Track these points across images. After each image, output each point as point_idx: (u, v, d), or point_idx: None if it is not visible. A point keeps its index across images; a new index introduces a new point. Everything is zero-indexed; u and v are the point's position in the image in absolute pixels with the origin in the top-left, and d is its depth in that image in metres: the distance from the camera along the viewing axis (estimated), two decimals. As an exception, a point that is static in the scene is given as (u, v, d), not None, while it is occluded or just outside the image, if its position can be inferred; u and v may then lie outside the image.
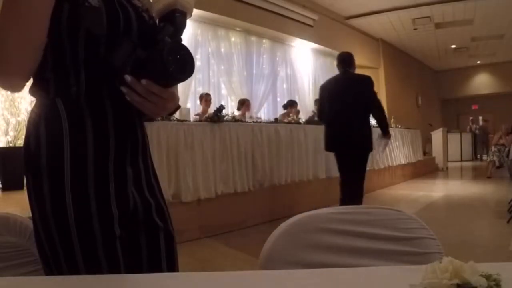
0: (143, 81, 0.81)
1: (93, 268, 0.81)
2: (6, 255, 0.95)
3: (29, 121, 0.86)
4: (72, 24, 0.81)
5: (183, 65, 0.85)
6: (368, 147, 3.94)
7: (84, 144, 0.82)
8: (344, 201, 3.81)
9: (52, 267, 0.82)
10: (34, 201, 0.82)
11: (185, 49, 0.87)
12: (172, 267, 0.97)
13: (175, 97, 0.91)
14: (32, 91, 0.87)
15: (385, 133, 4.33)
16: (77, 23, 0.81)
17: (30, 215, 0.85)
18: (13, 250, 0.96)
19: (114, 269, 0.82)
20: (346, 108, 3.76)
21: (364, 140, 3.86)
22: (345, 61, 3.93)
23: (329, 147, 4.07)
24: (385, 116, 4.18)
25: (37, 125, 0.83)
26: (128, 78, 0.81)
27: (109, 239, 0.82)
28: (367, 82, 3.88)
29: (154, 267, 0.92)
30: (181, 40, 0.93)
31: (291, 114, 6.80)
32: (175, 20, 0.92)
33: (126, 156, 0.89)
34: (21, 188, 5.09)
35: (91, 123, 0.83)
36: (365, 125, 3.92)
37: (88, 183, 0.82)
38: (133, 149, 0.91)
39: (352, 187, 3.77)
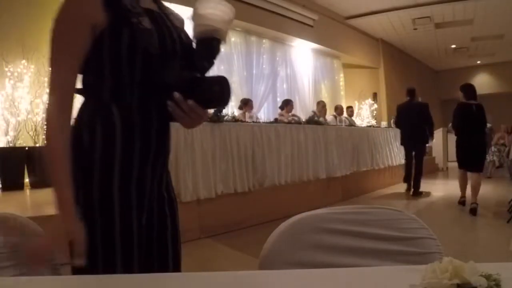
0: (190, 101, 0.95)
1: (128, 249, 0.94)
2: (6, 255, 0.95)
3: (80, 120, 0.96)
4: (131, 47, 0.94)
5: (224, 95, 1.03)
6: (425, 144, 6.80)
7: (132, 144, 0.96)
8: (409, 176, 6.85)
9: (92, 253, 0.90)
10: (82, 189, 0.92)
11: (227, 82, 1.04)
12: (177, 253, 1.16)
13: (207, 115, 1.08)
14: (86, 94, 0.99)
15: (431, 137, 6.70)
16: (136, 45, 0.94)
17: (30, 215, 0.85)
18: (13, 250, 0.96)
19: (132, 252, 0.95)
20: (414, 122, 6.48)
21: (423, 140, 6.61)
22: (413, 92, 6.75)
23: (403, 143, 6.91)
24: (433, 127, 6.71)
25: (92, 125, 0.94)
26: (177, 95, 0.95)
27: (140, 227, 0.98)
28: (426, 107, 6.63)
29: (162, 248, 1.10)
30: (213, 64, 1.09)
31: (284, 114, 6.80)
32: (213, 47, 1.04)
33: (161, 157, 1.04)
34: (21, 188, 5.09)
35: (140, 127, 0.97)
36: (424, 132, 6.51)
37: (132, 179, 0.96)
38: (165, 151, 1.06)
39: (417, 166, 6.63)
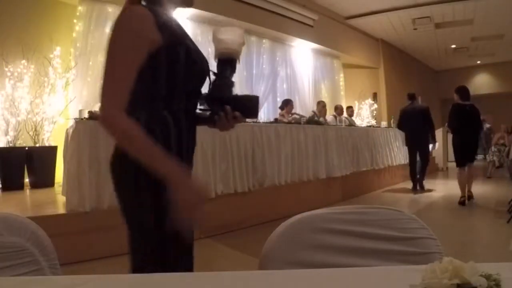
0: (236, 113, 1.19)
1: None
2: (6, 255, 0.95)
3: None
4: (187, 64, 1.16)
5: (257, 109, 1.27)
6: (428, 145, 7.15)
7: (181, 144, 1.18)
8: (414, 175, 7.19)
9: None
10: (134, 184, 1.16)
11: (258, 99, 1.28)
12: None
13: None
14: (138, 102, 1.11)
15: (434, 139, 7.15)
16: (190, 63, 1.17)
17: (30, 215, 0.85)
18: (13, 250, 0.96)
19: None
20: (416, 124, 6.90)
21: (426, 141, 7.05)
22: (413, 96, 7.26)
23: (407, 144, 7.28)
24: (434, 129, 7.11)
25: (152, 127, 1.10)
26: (228, 108, 1.18)
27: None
28: (427, 110, 7.04)
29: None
30: None
31: (285, 114, 6.78)
32: (232, 66, 1.26)
33: (192, 152, 1.28)
34: (21, 188, 5.09)
35: (186, 131, 1.19)
36: (427, 134, 6.99)
37: None
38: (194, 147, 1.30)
39: (422, 163, 7.14)
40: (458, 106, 5.55)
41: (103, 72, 1.06)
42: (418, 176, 7.11)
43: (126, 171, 1.20)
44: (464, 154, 5.55)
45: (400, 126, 7.30)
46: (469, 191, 5.63)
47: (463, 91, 5.64)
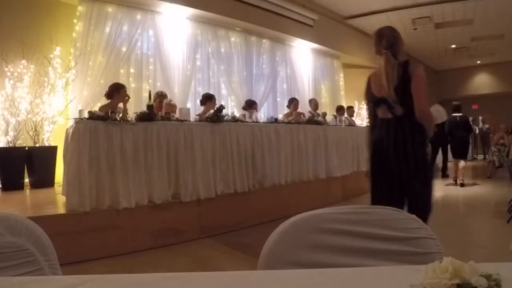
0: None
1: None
2: (6, 255, 0.95)
3: (372, 126, 2.53)
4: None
5: None
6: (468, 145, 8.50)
7: (382, 145, 2.43)
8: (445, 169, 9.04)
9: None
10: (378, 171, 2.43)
11: None
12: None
13: None
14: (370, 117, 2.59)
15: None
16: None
17: (30, 215, 0.85)
18: (13, 250, 0.96)
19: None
20: (460, 131, 7.85)
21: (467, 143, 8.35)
22: (459, 108, 8.07)
23: (452, 150, 8.25)
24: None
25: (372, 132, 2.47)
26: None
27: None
28: (469, 121, 8.24)
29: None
30: None
31: (292, 112, 6.77)
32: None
33: None
34: (21, 188, 5.09)
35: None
36: (468, 136, 8.19)
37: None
38: None
39: (445, 159, 9.05)
40: (452, 117, 7.83)
41: (421, 90, 2.28)
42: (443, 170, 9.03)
43: (422, 146, 2.32)
44: (457, 152, 7.80)
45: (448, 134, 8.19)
46: (462, 179, 7.53)
47: (455, 107, 8.06)
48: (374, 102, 2.44)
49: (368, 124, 2.54)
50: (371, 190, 2.42)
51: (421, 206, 2.23)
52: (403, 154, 2.22)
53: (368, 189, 2.46)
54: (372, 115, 2.49)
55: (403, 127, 2.24)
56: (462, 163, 7.60)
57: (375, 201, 2.38)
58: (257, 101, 7.99)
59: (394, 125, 2.26)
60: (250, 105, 6.48)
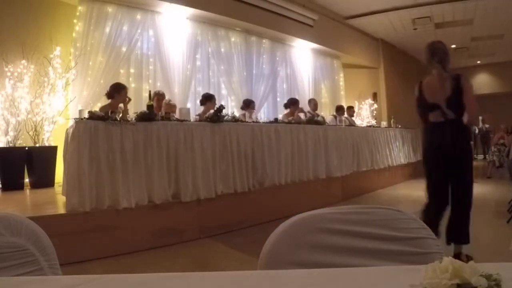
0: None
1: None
2: (6, 255, 0.95)
3: (426, 128, 3.00)
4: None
5: None
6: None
7: (438, 143, 2.93)
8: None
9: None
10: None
11: None
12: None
13: None
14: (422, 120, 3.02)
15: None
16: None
17: (30, 215, 0.85)
18: (13, 250, 0.96)
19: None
20: None
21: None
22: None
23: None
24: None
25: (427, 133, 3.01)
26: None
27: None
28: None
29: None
30: None
31: (295, 113, 6.71)
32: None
33: None
34: (21, 188, 5.09)
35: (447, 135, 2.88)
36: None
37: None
38: None
39: None
40: None
41: (472, 100, 2.75)
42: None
43: (468, 141, 2.94)
44: None
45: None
46: None
47: None
48: (427, 107, 2.89)
49: (424, 126, 3.04)
50: (427, 177, 3.05)
51: (463, 190, 2.97)
52: (456, 148, 2.81)
53: (422, 175, 3.17)
54: (423, 118, 2.97)
55: (455, 129, 2.78)
56: None
57: (431, 185, 3.03)
58: (257, 101, 8.01)
59: (447, 127, 2.80)
60: (248, 105, 6.47)
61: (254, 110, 6.64)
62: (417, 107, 2.99)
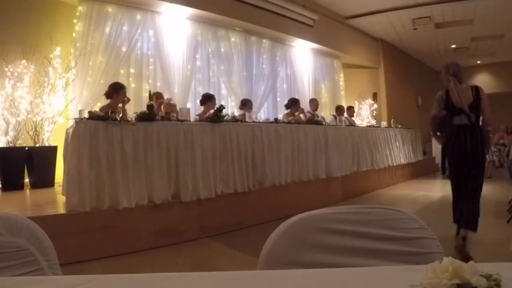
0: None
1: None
2: (6, 255, 0.95)
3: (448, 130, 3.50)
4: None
5: None
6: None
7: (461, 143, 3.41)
8: None
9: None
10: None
11: None
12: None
13: None
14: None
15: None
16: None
17: (30, 215, 0.85)
18: (13, 250, 0.96)
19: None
20: None
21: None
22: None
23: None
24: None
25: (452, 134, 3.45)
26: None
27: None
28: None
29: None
30: None
31: (296, 113, 6.68)
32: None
33: None
34: (21, 188, 5.09)
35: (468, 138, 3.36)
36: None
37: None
38: None
39: None
40: None
41: (488, 108, 3.37)
42: None
43: (484, 144, 3.36)
44: None
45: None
46: None
47: None
48: (454, 111, 3.42)
49: (449, 128, 3.51)
50: (450, 169, 3.56)
51: (476, 180, 3.43)
52: (475, 146, 3.33)
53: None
54: (447, 120, 3.49)
55: (475, 130, 3.34)
56: None
57: (453, 175, 3.55)
58: (257, 101, 8.01)
59: (469, 129, 3.35)
60: (244, 104, 6.47)
61: (252, 109, 6.62)
62: (443, 109, 3.51)
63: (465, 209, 3.34)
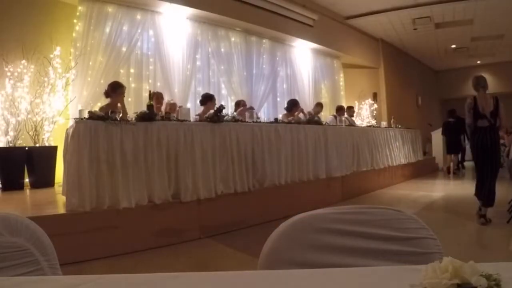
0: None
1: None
2: (6, 255, 0.95)
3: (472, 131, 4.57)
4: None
5: None
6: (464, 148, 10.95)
7: (483, 140, 4.41)
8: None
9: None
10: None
11: None
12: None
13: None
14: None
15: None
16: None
17: (30, 215, 0.85)
18: (13, 250, 0.96)
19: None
20: (453, 132, 10.15)
21: (460, 145, 10.89)
22: (453, 113, 10.33)
23: (447, 147, 10.72)
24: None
25: (476, 133, 4.47)
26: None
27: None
28: (460, 123, 9.31)
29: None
30: None
31: (295, 113, 6.69)
32: None
33: None
34: (21, 188, 5.09)
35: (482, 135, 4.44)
36: (459, 136, 10.26)
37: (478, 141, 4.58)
38: None
39: (456, 158, 11.08)
40: (446, 121, 10.19)
41: (503, 114, 4.37)
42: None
43: (499, 140, 4.47)
44: (450, 149, 10.07)
45: (443, 133, 10.51)
46: (454, 168, 10.09)
47: (449, 112, 10.20)
48: (479, 116, 4.36)
49: (473, 129, 4.46)
50: (475, 163, 4.59)
51: (495, 167, 4.48)
52: (494, 142, 4.32)
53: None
54: (473, 123, 4.42)
55: (494, 132, 4.32)
56: (453, 157, 10.22)
57: (479, 168, 4.55)
58: (257, 101, 8.02)
59: (489, 130, 4.31)
60: (237, 104, 6.47)
61: (249, 107, 6.63)
62: (469, 112, 4.43)
63: (486, 188, 4.45)
